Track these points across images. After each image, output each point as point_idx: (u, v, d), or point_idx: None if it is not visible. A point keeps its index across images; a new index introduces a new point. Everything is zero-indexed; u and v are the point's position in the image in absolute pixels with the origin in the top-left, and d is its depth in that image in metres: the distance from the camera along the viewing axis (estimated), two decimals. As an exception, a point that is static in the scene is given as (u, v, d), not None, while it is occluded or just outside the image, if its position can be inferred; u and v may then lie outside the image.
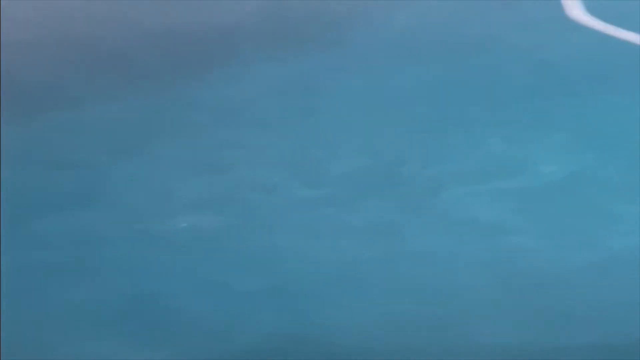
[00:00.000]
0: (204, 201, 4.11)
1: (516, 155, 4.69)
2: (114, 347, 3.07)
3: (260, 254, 3.65)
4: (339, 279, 3.48)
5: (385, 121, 5.16)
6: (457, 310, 3.29)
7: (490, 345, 3.11)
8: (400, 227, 3.90)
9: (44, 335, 3.14)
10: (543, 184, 4.37)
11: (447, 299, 3.37)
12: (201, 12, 7.01)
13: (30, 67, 5.83)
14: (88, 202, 4.06)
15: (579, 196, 4.25)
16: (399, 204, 4.14)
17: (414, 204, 4.15)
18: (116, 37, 6.42)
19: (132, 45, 6.29)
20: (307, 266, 3.57)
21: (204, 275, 3.46)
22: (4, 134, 4.61)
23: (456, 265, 3.60)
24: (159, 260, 3.56)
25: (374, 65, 6.14)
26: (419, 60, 6.23)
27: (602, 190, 4.31)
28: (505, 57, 6.33)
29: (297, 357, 3.06)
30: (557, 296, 3.37)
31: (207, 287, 3.38)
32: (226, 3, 7.56)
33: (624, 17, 7.09)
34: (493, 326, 3.18)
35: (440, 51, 6.42)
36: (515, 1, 8.62)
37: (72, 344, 3.08)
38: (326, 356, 3.06)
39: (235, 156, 4.60)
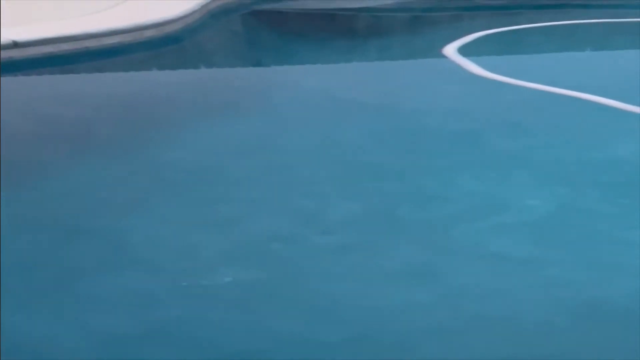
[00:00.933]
0: (232, 255, 3.87)
1: (494, 193, 4.74)
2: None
3: (320, 303, 3.45)
4: (412, 325, 3.32)
5: (352, 171, 5.11)
6: (548, 346, 3.20)
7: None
8: (436, 267, 3.79)
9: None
10: (540, 217, 4.39)
11: (531, 336, 3.26)
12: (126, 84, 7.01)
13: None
14: (121, 265, 3.73)
15: (582, 226, 4.31)
16: (419, 245, 4.05)
17: (433, 243, 4.07)
18: (72, 111, 6.25)
19: (86, 117, 6.11)
20: (371, 313, 3.38)
21: (283, 328, 3.22)
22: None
23: (517, 301, 3.51)
24: (229, 317, 3.30)
25: (310, 123, 6.18)
26: (349, 118, 6.31)
27: (598, 218, 4.40)
28: (419, 111, 6.49)
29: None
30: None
31: (293, 340, 3.15)
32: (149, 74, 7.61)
33: (518, 71, 7.55)
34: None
35: (360, 110, 6.53)
36: (414, 61, 9.05)
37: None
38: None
39: (234, 211, 4.39)
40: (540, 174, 5.04)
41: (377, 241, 4.06)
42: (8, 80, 6.88)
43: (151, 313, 3.33)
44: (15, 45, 7.08)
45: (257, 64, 9.05)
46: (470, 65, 7.97)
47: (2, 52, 6.68)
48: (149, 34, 8.33)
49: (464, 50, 8.65)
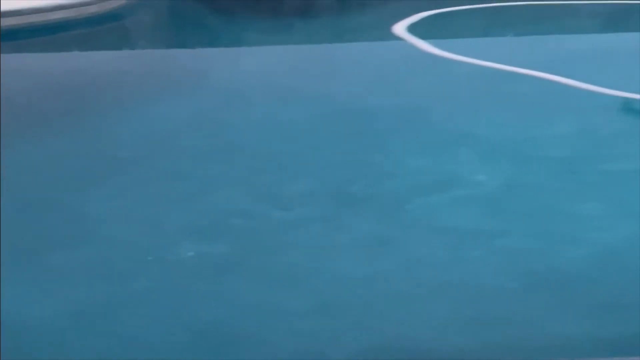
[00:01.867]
0: (193, 230, 3.95)
1: (442, 169, 4.84)
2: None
3: (282, 274, 3.57)
4: (372, 292, 3.46)
5: (302, 148, 5.17)
6: (495, 309, 3.34)
7: (551, 343, 3.16)
8: (390, 239, 3.91)
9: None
10: (490, 191, 4.51)
11: (481, 300, 3.41)
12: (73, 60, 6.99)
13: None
14: (82, 240, 3.78)
15: (530, 199, 4.44)
16: (374, 218, 4.15)
17: (388, 217, 4.19)
18: (19, 87, 6.21)
19: (33, 94, 6.08)
20: (331, 283, 3.50)
21: (247, 299, 3.32)
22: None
23: (468, 269, 3.66)
24: (194, 289, 3.40)
25: (257, 104, 6.13)
26: (299, 99, 6.24)
27: (544, 193, 4.53)
28: (369, 92, 6.53)
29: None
30: (585, 288, 3.50)
31: (256, 309, 3.25)
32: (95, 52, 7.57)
33: (471, 50, 7.65)
34: (543, 321, 3.26)
35: (310, 91, 6.51)
36: (364, 40, 9.08)
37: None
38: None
39: (191, 186, 4.47)
40: (481, 150, 5.13)
41: (333, 216, 4.16)
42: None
43: (118, 286, 3.41)
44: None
45: (198, 44, 9.00)
46: (422, 44, 8.06)
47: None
48: (92, 10, 8.26)
49: (414, 29, 8.73)
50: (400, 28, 8.70)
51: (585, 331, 3.18)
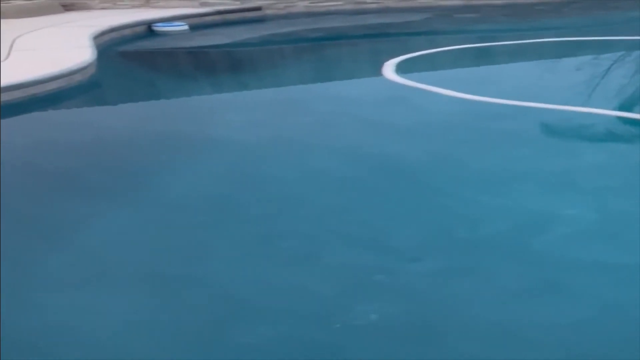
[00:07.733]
0: (350, 293, 3.63)
1: (524, 206, 4.72)
2: None
3: (486, 331, 3.34)
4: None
5: (373, 200, 4.93)
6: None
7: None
8: (556, 284, 3.70)
9: None
10: (586, 226, 4.40)
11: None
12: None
13: None
14: (258, 313, 3.46)
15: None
16: (515, 264, 3.92)
17: (528, 261, 3.95)
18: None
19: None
20: (555, 338, 3.29)
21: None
22: None
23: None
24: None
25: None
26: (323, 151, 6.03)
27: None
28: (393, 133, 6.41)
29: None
30: None
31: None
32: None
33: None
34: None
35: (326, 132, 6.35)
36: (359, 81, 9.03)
37: None
38: None
39: (304, 246, 4.17)
40: (543, 182, 5.06)
41: (469, 265, 3.92)
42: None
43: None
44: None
45: (187, 94, 8.86)
46: (416, 83, 8.08)
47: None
48: (77, 78, 8.23)
49: (400, 69, 8.79)
50: (387, 69, 8.72)
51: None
